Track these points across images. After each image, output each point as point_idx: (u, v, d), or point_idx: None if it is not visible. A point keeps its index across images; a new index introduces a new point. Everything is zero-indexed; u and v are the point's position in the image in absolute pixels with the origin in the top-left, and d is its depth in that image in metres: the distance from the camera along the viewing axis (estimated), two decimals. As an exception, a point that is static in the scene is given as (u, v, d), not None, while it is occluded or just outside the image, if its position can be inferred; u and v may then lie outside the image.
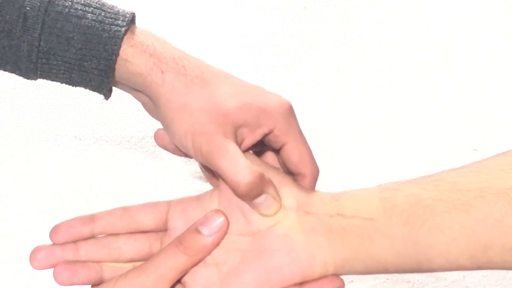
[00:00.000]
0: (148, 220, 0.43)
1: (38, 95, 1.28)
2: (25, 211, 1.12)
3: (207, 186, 0.45)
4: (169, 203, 0.44)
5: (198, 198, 0.44)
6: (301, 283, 0.40)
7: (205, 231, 0.41)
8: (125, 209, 0.43)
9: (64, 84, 0.45)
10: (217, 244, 0.41)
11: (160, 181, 1.17)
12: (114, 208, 0.43)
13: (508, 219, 0.36)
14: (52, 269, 0.41)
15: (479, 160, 0.39)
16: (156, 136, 0.44)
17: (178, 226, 0.42)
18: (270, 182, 0.42)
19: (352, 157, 1.24)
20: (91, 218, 0.43)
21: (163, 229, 0.43)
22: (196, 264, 0.41)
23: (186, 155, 0.44)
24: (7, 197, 1.15)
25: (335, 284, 0.40)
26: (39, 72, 0.43)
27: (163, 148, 0.45)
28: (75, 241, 0.42)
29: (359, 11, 1.53)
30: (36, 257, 0.42)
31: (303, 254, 0.39)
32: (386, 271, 0.39)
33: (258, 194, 0.41)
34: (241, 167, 0.40)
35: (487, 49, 1.46)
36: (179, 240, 0.41)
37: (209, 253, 0.41)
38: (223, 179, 0.41)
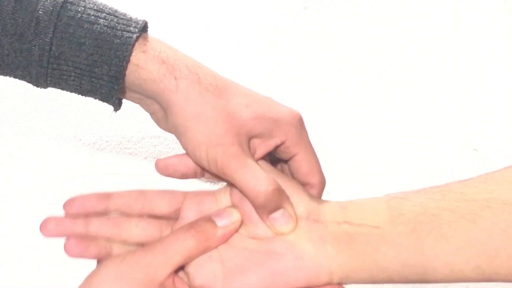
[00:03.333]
0: (163, 207, 0.43)
1: (38, 95, 1.28)
2: (25, 211, 1.12)
3: (206, 186, 0.45)
4: (185, 194, 0.44)
5: (214, 194, 0.44)
6: None
7: (219, 222, 0.41)
8: (142, 192, 0.43)
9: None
10: (227, 237, 0.41)
11: (160, 181, 1.17)
12: (130, 190, 0.44)
13: None
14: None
15: (487, 172, 0.39)
16: (159, 167, 0.44)
17: (190, 217, 0.43)
18: (287, 198, 0.42)
19: (351, 156, 1.24)
20: (107, 196, 0.43)
21: (175, 217, 0.44)
22: (202, 253, 0.41)
23: (194, 176, 0.44)
24: (7, 197, 1.15)
25: None
26: (49, 78, 0.43)
27: (169, 177, 0.45)
28: (87, 216, 0.42)
29: (359, 11, 1.53)
30: (46, 225, 0.42)
31: (310, 261, 0.40)
32: (391, 280, 0.39)
33: (276, 208, 0.41)
34: (260, 178, 0.40)
35: (488, 49, 1.46)
36: (191, 225, 0.41)
37: (217, 244, 0.41)
38: (241, 191, 0.41)
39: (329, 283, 0.39)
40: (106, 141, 1.24)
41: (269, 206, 0.41)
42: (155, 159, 1.33)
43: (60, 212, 1.14)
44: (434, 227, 0.37)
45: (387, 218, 0.39)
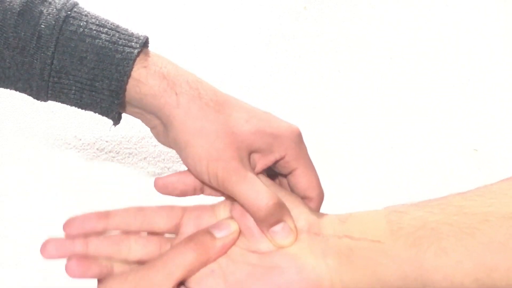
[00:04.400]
0: (162, 223, 0.44)
1: (38, 95, 1.28)
2: (25, 211, 1.12)
3: (205, 200, 0.45)
4: (184, 209, 0.44)
5: (213, 208, 0.44)
6: None
7: (217, 233, 0.41)
8: (140, 209, 0.44)
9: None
10: (226, 248, 0.42)
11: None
12: (129, 206, 0.44)
13: None
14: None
15: (485, 185, 0.39)
16: (158, 186, 0.44)
17: (190, 231, 0.43)
18: (288, 211, 0.42)
19: (351, 157, 1.24)
20: (106, 215, 0.43)
21: (174, 233, 0.44)
22: (203, 266, 0.41)
23: (193, 193, 0.44)
24: (7, 197, 1.15)
25: None
26: (50, 92, 0.43)
27: (168, 195, 0.45)
28: (86, 236, 0.43)
29: (359, 11, 1.53)
30: (46, 247, 0.43)
31: (312, 274, 0.40)
32: None
33: (277, 221, 0.41)
34: (261, 192, 0.41)
35: (488, 50, 1.46)
36: (190, 238, 0.41)
37: (217, 255, 0.41)
38: (242, 205, 0.42)
39: None
40: (106, 141, 1.24)
41: (270, 219, 0.41)
42: (155, 159, 1.33)
43: (60, 212, 1.14)
44: (433, 241, 0.38)
45: (387, 232, 0.39)
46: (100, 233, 0.43)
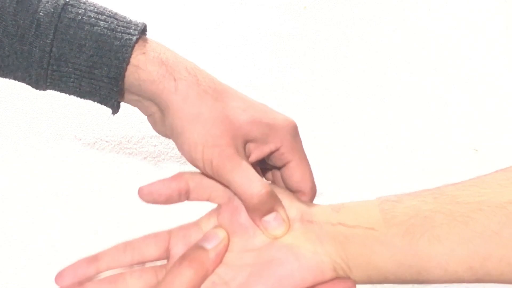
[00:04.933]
0: (151, 251, 0.44)
1: (38, 95, 1.28)
2: (25, 211, 1.12)
3: (192, 208, 0.45)
4: (169, 232, 0.44)
5: (197, 223, 0.44)
6: (312, 287, 0.40)
7: (207, 245, 0.41)
8: (127, 244, 0.44)
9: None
10: (220, 257, 0.41)
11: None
12: (115, 244, 0.44)
13: (506, 232, 0.36)
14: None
15: (478, 176, 0.40)
16: (142, 194, 0.44)
17: (180, 252, 0.43)
18: (280, 201, 0.42)
19: (351, 157, 1.24)
20: (95, 258, 0.43)
21: (166, 258, 0.44)
22: (203, 280, 0.41)
23: (178, 199, 0.44)
24: (6, 197, 1.15)
25: (347, 284, 0.41)
26: (48, 80, 0.43)
27: (153, 203, 0.45)
28: (80, 284, 0.42)
29: (359, 11, 1.53)
30: None
31: (312, 260, 0.40)
32: (386, 280, 0.40)
33: (269, 211, 0.41)
34: (254, 180, 0.41)
35: (488, 49, 1.46)
36: (183, 257, 0.41)
37: (214, 266, 0.41)
38: (235, 192, 0.42)
39: (336, 277, 0.40)
40: (106, 141, 1.24)
41: (262, 208, 0.41)
42: (155, 159, 1.33)
43: (60, 212, 1.13)
44: (427, 229, 0.38)
45: (381, 220, 0.39)
46: (93, 278, 0.43)
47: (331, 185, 1.08)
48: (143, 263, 0.43)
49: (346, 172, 1.20)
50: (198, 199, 0.45)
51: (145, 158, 1.23)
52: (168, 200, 0.44)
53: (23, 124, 1.26)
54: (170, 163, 1.22)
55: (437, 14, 1.54)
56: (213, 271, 0.40)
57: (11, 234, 1.09)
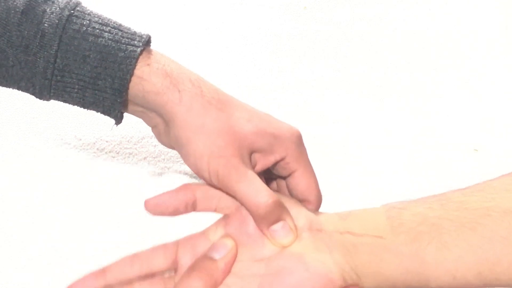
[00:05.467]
0: (159, 263, 0.43)
1: (38, 95, 1.28)
2: (25, 211, 1.12)
3: (199, 219, 0.45)
4: (177, 243, 0.44)
5: (204, 233, 0.44)
6: None
7: (215, 255, 0.41)
8: (135, 256, 0.43)
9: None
10: (229, 267, 0.41)
11: (159, 184, 1.17)
12: (123, 257, 0.43)
13: None
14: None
15: (485, 181, 0.39)
16: (149, 207, 0.44)
17: (188, 263, 0.42)
18: (287, 210, 0.42)
19: (351, 157, 1.24)
20: (103, 271, 0.43)
21: (173, 269, 0.43)
22: None
23: (185, 210, 0.44)
24: (6, 197, 1.15)
25: None
26: (52, 91, 0.43)
27: (160, 215, 0.44)
28: None
29: (359, 11, 1.53)
30: None
31: (321, 269, 0.40)
32: (395, 287, 0.40)
33: (276, 220, 0.41)
34: (261, 190, 0.40)
35: (488, 49, 1.46)
36: (191, 268, 0.41)
37: (223, 276, 0.41)
38: (241, 203, 0.41)
39: (345, 286, 0.39)
40: (106, 141, 1.24)
41: (269, 218, 0.41)
42: (155, 159, 1.33)
43: (60, 212, 1.13)
44: (434, 236, 0.38)
45: (388, 228, 0.39)
46: None
47: (331, 185, 1.08)
48: (151, 274, 0.43)
49: (345, 171, 1.20)
50: (205, 210, 0.44)
51: (145, 158, 1.23)
52: (174, 212, 0.44)
53: (23, 124, 1.26)
54: (170, 163, 1.22)
55: (437, 14, 1.54)
56: (222, 281, 0.40)
57: (11, 234, 1.09)
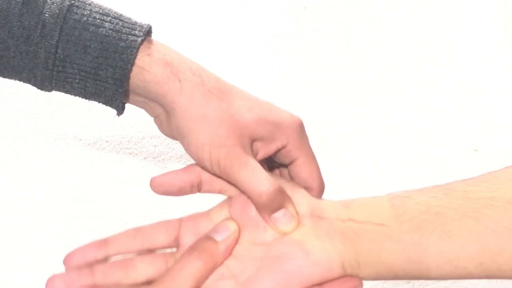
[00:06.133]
0: (161, 239, 0.44)
1: (38, 95, 1.28)
2: (25, 211, 1.12)
3: (203, 200, 0.45)
4: (180, 220, 0.44)
5: (208, 214, 0.44)
6: (320, 284, 0.40)
7: (217, 237, 0.41)
8: (138, 230, 0.44)
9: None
10: (230, 250, 0.41)
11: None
12: (126, 229, 0.44)
13: None
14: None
15: (489, 171, 0.40)
16: (154, 185, 0.44)
17: (190, 242, 0.43)
18: (289, 198, 0.42)
19: (352, 157, 1.24)
20: (105, 242, 0.43)
21: (175, 246, 0.44)
22: (211, 272, 0.41)
23: (190, 191, 0.44)
24: (6, 197, 1.15)
25: (355, 283, 0.40)
26: (54, 81, 0.43)
27: (165, 194, 0.45)
28: (90, 266, 0.42)
29: (359, 11, 1.53)
30: (53, 283, 0.42)
31: (321, 256, 0.40)
32: (395, 276, 0.40)
33: (278, 207, 0.41)
34: (262, 178, 0.41)
35: (488, 49, 1.46)
36: (192, 247, 0.41)
37: (223, 258, 0.41)
38: (243, 191, 0.42)
39: (343, 275, 0.39)
40: (106, 141, 1.24)
41: (271, 206, 0.41)
42: (155, 159, 1.33)
43: (60, 212, 1.14)
44: (437, 225, 0.38)
45: (391, 216, 0.39)
46: (102, 262, 0.43)
47: (330, 185, 1.08)
48: (152, 250, 0.43)
49: (344, 173, 1.20)
50: (209, 192, 0.45)
51: (145, 158, 1.23)
52: (179, 192, 0.44)
53: (23, 124, 1.26)
54: (170, 163, 1.22)
55: (437, 14, 1.54)
56: (222, 263, 0.40)
57: (11, 234, 1.09)
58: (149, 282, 0.41)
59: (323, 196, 0.46)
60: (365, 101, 1.34)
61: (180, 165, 1.21)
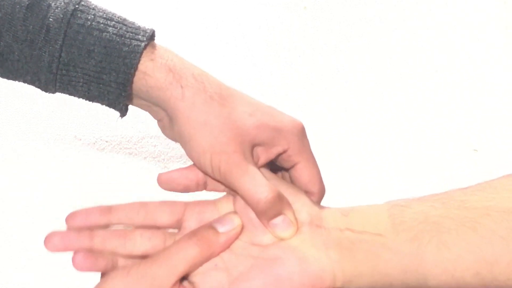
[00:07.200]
0: (164, 218, 0.44)
1: (38, 95, 1.28)
2: (25, 211, 1.13)
3: (208, 195, 0.45)
4: (186, 204, 0.44)
5: (215, 203, 0.45)
6: None
7: (220, 228, 0.42)
8: (143, 204, 0.44)
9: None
10: (229, 243, 0.42)
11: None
12: (132, 202, 0.44)
13: None
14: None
15: (486, 180, 0.40)
16: (161, 182, 0.44)
17: (192, 226, 0.43)
18: (289, 204, 0.42)
19: (351, 157, 1.24)
20: (109, 209, 0.43)
21: (177, 228, 0.44)
22: (206, 260, 0.41)
23: (196, 188, 0.45)
24: (7, 197, 1.15)
25: None
26: (58, 84, 0.43)
27: (171, 191, 0.45)
28: (89, 229, 0.43)
29: (359, 11, 1.53)
30: (51, 240, 0.42)
31: (314, 266, 0.40)
32: (391, 286, 0.40)
33: (277, 214, 0.41)
34: (261, 185, 0.41)
35: (488, 49, 1.46)
36: (193, 233, 0.41)
37: (220, 250, 0.41)
38: (243, 198, 0.42)
39: (332, 287, 0.39)
40: (106, 141, 1.24)
41: (269, 212, 0.41)
42: (155, 159, 1.33)
43: (60, 212, 1.13)
44: (434, 235, 0.38)
45: (389, 226, 0.39)
46: (102, 228, 0.43)
47: (330, 185, 1.08)
48: (153, 226, 0.43)
49: (344, 171, 1.20)
50: (215, 190, 0.45)
51: (145, 158, 1.23)
52: (185, 189, 0.44)
53: (23, 124, 1.26)
54: (170, 163, 1.22)
55: (437, 14, 1.54)
56: (218, 254, 0.40)
57: (11, 234, 1.09)
58: (144, 256, 0.41)
59: (324, 199, 0.46)
60: (365, 101, 1.34)
61: (180, 165, 1.21)
